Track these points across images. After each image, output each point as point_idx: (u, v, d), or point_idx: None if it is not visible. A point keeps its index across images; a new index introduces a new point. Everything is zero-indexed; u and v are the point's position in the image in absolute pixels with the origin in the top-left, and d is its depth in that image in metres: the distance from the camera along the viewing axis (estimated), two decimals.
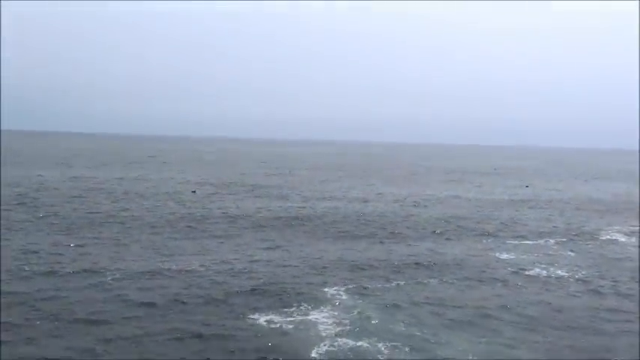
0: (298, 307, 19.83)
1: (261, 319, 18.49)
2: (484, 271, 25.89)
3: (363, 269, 25.50)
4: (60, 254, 26.33)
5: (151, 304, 19.61)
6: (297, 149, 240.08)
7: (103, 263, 24.81)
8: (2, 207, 39.62)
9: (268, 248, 29.43)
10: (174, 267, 24.60)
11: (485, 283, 24.06)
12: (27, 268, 23.48)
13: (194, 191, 55.01)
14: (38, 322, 17.68)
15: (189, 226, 34.84)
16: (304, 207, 45.43)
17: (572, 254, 30.56)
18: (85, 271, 23.47)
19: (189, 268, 24.40)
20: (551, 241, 34.42)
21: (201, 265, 25.05)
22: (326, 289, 22.01)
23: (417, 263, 26.96)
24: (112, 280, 22.32)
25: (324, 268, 25.59)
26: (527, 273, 25.89)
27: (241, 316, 18.82)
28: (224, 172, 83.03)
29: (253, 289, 21.70)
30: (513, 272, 25.95)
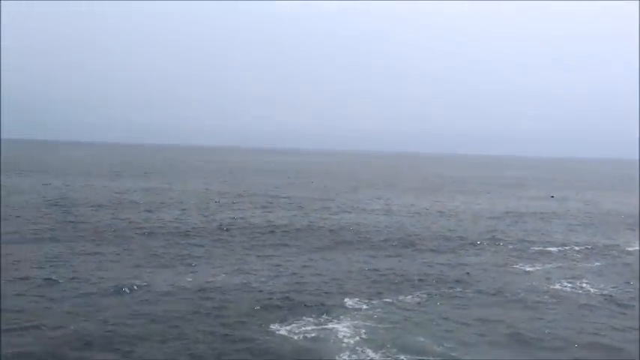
0: (319, 317, 19.81)
1: (282, 329, 18.52)
2: (509, 284, 25.55)
3: (384, 281, 25.36)
4: (84, 262, 26.69)
5: (174, 315, 19.73)
6: (318, 159, 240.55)
7: (127, 273, 25.04)
8: (32, 215, 40.33)
9: (290, 258, 29.46)
10: (199, 277, 24.74)
11: (511, 297, 23.71)
12: (54, 277, 23.80)
13: (217, 201, 55.38)
14: (59, 336, 17.62)
15: (214, 237, 35.00)
16: (327, 218, 45.44)
17: (599, 267, 30.03)
18: (109, 279, 23.75)
19: (213, 279, 24.53)
20: (577, 252, 33.89)
21: (225, 275, 25.21)
22: (347, 300, 21.97)
23: (440, 275, 26.73)
24: (138, 288, 22.50)
25: (346, 278, 25.54)
26: (552, 287, 25.47)
27: (263, 325, 18.87)
28: (246, 182, 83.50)
29: (275, 299, 21.77)
30: (538, 286, 25.56)
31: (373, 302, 21.92)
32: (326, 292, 23.04)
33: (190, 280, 24.19)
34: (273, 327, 18.75)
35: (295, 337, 17.92)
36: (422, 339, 18.15)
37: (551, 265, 30.09)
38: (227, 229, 37.60)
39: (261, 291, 22.88)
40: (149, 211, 45.68)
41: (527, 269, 29.02)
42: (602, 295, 24.47)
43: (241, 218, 43.14)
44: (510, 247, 35.25)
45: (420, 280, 25.76)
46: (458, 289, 24.45)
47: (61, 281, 23.17)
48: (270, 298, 21.85)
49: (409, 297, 22.88)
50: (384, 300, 22.32)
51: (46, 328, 17.94)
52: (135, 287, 22.57)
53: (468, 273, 27.44)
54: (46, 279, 23.42)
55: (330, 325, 19.05)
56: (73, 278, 23.70)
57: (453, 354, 17.05)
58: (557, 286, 25.60)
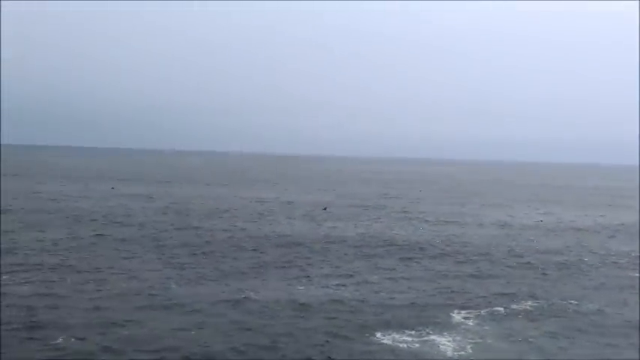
0: (425, 329, 20.27)
1: (386, 338, 19.18)
2: (630, 306, 24.58)
3: (493, 295, 25.25)
4: (202, 269, 28.60)
5: (285, 318, 20.92)
6: (429, 169, 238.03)
7: (239, 281, 26.32)
8: (158, 219, 43.57)
9: (397, 268, 30.01)
10: (309, 286, 25.73)
11: (628, 318, 22.86)
12: (173, 284, 25.68)
13: (325, 208, 56.77)
14: (170, 345, 18.13)
15: (322, 247, 35.88)
16: (435, 230, 45.46)
17: None
18: (223, 287, 25.40)
19: (322, 288, 25.50)
20: None
21: (334, 284, 26.14)
22: (454, 314, 22.22)
23: (554, 291, 26.19)
24: (250, 297, 23.55)
25: (454, 291, 25.76)
26: None
27: (368, 334, 19.60)
28: (355, 192, 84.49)
29: (382, 308, 22.49)
30: None
31: (481, 316, 22.06)
32: (433, 304, 23.44)
33: (302, 288, 25.34)
34: (378, 335, 19.45)
35: (399, 346, 18.53)
36: None
37: None
38: (334, 240, 38.52)
39: (366, 300, 23.65)
40: (258, 219, 47.83)
41: None
42: None
43: (349, 228, 44.14)
44: (626, 264, 33.62)
45: (529, 296, 25.37)
46: (572, 302, 24.08)
47: (176, 289, 24.87)
48: (377, 307, 22.59)
49: (519, 313, 22.75)
50: (493, 314, 22.38)
51: (157, 334, 19.30)
52: (249, 296, 23.75)
53: (583, 290, 26.69)
54: (165, 285, 25.40)
55: (433, 337, 19.45)
56: (187, 282, 25.61)
57: None
58: None
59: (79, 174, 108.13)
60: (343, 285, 26.07)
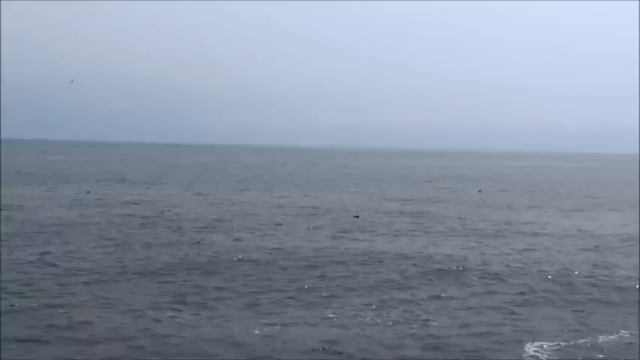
0: None
1: None
2: None
3: (575, 328, 24.77)
4: (202, 299, 28.45)
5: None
6: (443, 164, 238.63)
7: (255, 314, 25.89)
8: (144, 231, 43.42)
9: (451, 294, 29.56)
10: (342, 319, 25.32)
11: None
12: (162, 321, 25.36)
13: (357, 216, 56.58)
14: None
15: (357, 266, 35.34)
16: (500, 249, 44.68)
17: None
18: (227, 322, 24.95)
19: (354, 318, 25.33)
20: None
21: (377, 313, 25.92)
22: (524, 349, 22.03)
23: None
24: (264, 339, 23.06)
25: (524, 319, 25.54)
26: None
27: None
28: (389, 192, 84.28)
29: (434, 340, 22.52)
30: None
31: (559, 351, 21.89)
32: (498, 337, 23.23)
33: (331, 318, 25.12)
34: None
35: None
36: None
37: None
38: (369, 256, 37.97)
39: (411, 334, 23.37)
40: (275, 228, 47.84)
41: None
42: None
43: (388, 241, 43.85)
44: None
45: (619, 327, 24.86)
46: None
47: (168, 326, 24.49)
48: (425, 341, 22.44)
49: (605, 347, 22.43)
50: (573, 348, 22.19)
51: None
52: (264, 332, 23.45)
53: None
54: (151, 323, 25.20)
55: None
56: (183, 312, 25.43)
57: None
58: None
59: (59, 173, 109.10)
60: (382, 314, 25.77)
